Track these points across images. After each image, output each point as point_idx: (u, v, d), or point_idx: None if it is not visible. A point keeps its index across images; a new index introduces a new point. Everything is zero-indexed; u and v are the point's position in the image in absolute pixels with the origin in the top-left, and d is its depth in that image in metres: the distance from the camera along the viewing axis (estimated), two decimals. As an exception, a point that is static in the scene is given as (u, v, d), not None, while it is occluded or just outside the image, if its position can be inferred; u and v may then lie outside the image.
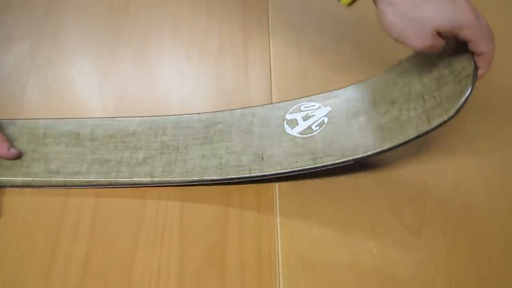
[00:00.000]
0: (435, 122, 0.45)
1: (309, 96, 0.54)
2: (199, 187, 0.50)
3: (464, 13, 0.41)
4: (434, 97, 0.47)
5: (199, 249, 0.46)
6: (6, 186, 0.51)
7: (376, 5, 0.44)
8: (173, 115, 0.55)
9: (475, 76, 0.44)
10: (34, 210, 0.49)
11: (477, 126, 0.56)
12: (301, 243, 0.47)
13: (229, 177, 0.49)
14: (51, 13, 0.68)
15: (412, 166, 0.52)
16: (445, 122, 0.45)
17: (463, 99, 0.44)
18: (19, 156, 0.52)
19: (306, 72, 0.61)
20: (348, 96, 0.53)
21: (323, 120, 0.52)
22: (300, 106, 0.53)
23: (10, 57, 0.63)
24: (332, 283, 0.44)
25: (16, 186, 0.50)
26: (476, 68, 0.44)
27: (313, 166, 0.48)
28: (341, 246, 0.46)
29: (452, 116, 0.45)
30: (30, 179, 0.50)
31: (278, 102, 0.55)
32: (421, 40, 0.42)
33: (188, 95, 0.59)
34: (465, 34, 0.42)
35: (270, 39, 0.64)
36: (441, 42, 0.43)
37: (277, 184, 0.51)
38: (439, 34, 0.43)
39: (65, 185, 0.50)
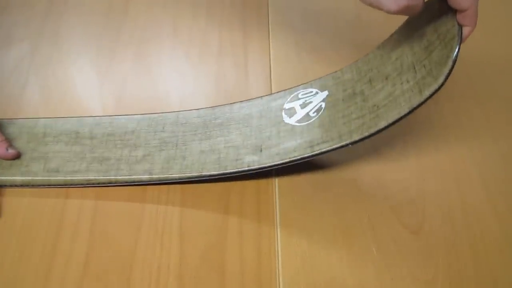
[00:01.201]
0: (426, 93, 0.44)
1: (307, 82, 0.54)
2: (199, 187, 0.50)
3: None
4: (424, 66, 0.46)
5: (198, 250, 0.46)
6: (5, 186, 0.50)
7: None
8: (172, 111, 0.55)
9: (459, 38, 0.42)
10: (34, 210, 0.49)
11: (477, 126, 0.56)
12: (301, 243, 0.47)
13: (228, 171, 0.49)
14: (50, 13, 0.68)
15: (412, 166, 0.52)
16: (436, 91, 0.43)
17: (450, 63, 0.42)
18: (17, 156, 0.52)
19: (306, 72, 0.61)
20: (345, 77, 0.53)
21: (321, 105, 0.51)
22: (298, 93, 0.53)
23: (10, 57, 0.63)
24: (332, 283, 0.44)
25: (16, 186, 0.50)
26: (460, 28, 0.42)
27: (310, 154, 0.48)
28: (341, 246, 0.46)
29: (442, 84, 0.43)
30: (30, 178, 0.50)
31: (275, 92, 0.55)
32: (396, 0, 0.40)
33: (188, 95, 0.59)
34: None
35: (270, 40, 0.64)
36: (417, 2, 0.41)
37: (277, 184, 0.51)
38: None
39: (65, 184, 0.50)
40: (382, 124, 0.46)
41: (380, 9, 0.41)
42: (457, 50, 0.42)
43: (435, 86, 0.43)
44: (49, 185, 0.50)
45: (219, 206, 0.49)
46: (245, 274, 0.45)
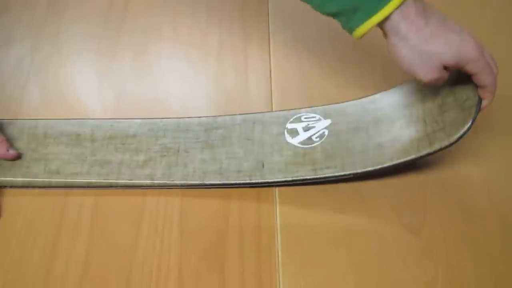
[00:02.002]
0: (437, 146, 0.47)
1: (309, 107, 0.55)
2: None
3: (469, 47, 0.43)
4: (436, 122, 0.48)
5: (199, 248, 0.46)
6: (6, 187, 0.51)
7: (387, 37, 0.45)
8: (173, 117, 0.55)
9: (478, 108, 0.46)
10: (34, 210, 0.49)
11: (477, 126, 0.55)
12: (301, 242, 0.47)
13: (230, 182, 0.50)
14: (51, 13, 0.68)
15: (412, 167, 0.52)
16: (446, 147, 0.47)
17: (466, 127, 0.46)
18: (18, 157, 0.52)
19: (305, 72, 0.61)
20: (349, 111, 0.54)
21: (324, 132, 0.52)
22: (301, 116, 0.54)
23: (10, 57, 0.63)
24: (332, 283, 0.44)
25: (16, 187, 0.50)
26: (480, 100, 0.46)
27: (314, 177, 0.49)
28: (341, 246, 0.46)
29: (454, 142, 0.46)
30: (30, 179, 0.50)
31: (278, 111, 0.55)
32: (429, 72, 0.44)
33: (188, 96, 0.59)
34: (470, 68, 0.44)
35: (270, 40, 0.64)
36: (446, 75, 0.45)
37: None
38: (445, 67, 0.44)
39: (65, 186, 0.50)
40: (387, 163, 0.48)
41: (412, 75, 0.45)
42: (474, 117, 0.46)
43: (447, 142, 0.46)
44: (49, 186, 0.50)
45: (219, 206, 0.49)
46: (245, 272, 0.45)
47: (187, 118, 0.55)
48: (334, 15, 0.46)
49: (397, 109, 0.52)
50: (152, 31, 0.66)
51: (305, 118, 0.54)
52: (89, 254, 0.46)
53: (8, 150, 0.51)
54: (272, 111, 0.56)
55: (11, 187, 0.50)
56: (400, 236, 0.47)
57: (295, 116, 0.54)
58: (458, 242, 0.46)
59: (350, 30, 0.46)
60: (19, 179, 0.50)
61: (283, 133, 0.53)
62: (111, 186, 0.50)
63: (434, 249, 0.46)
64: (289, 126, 0.53)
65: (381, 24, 0.44)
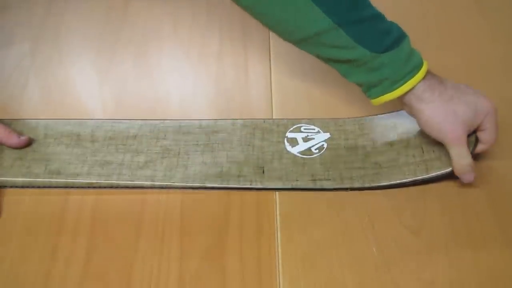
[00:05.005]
0: (433, 174, 0.49)
1: (308, 118, 0.56)
2: (199, 187, 0.51)
3: (485, 103, 0.48)
4: (433, 151, 0.50)
5: (199, 249, 0.46)
6: (6, 187, 0.51)
7: (412, 106, 0.48)
8: (173, 119, 0.56)
9: (474, 147, 0.48)
10: (34, 210, 0.49)
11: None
12: (301, 243, 0.47)
13: (230, 186, 0.50)
14: (51, 13, 0.68)
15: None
16: (442, 175, 0.49)
17: None
18: (30, 142, 0.53)
19: (306, 71, 0.61)
20: (347, 128, 0.55)
21: (323, 145, 0.53)
22: (301, 127, 0.55)
23: (10, 58, 0.63)
24: (332, 283, 0.44)
25: (17, 187, 0.50)
26: (477, 141, 0.49)
27: (312, 187, 0.50)
28: (341, 246, 0.46)
29: (450, 173, 0.48)
30: (31, 179, 0.50)
31: (278, 119, 0.56)
32: (455, 129, 0.47)
33: (188, 96, 0.59)
34: (485, 121, 0.48)
35: (270, 40, 0.64)
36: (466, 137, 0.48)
37: (277, 184, 0.51)
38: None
39: (66, 186, 0.50)
40: (383, 182, 0.50)
41: (440, 134, 0.48)
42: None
43: (443, 172, 0.49)
44: (50, 187, 0.50)
45: (220, 206, 0.49)
46: (245, 273, 0.45)
47: (187, 121, 0.55)
48: (357, 84, 0.49)
49: (394, 132, 0.53)
50: (152, 32, 0.66)
51: (305, 129, 0.54)
52: (89, 254, 0.46)
53: (19, 138, 0.52)
54: (272, 117, 0.57)
55: (11, 187, 0.51)
56: (401, 236, 0.47)
57: (294, 126, 0.55)
58: (458, 242, 0.46)
59: (369, 98, 0.50)
60: (20, 179, 0.50)
61: (283, 142, 0.54)
62: (111, 187, 0.50)
63: (434, 249, 0.46)
64: (289, 135, 0.54)
65: (399, 97, 0.48)
